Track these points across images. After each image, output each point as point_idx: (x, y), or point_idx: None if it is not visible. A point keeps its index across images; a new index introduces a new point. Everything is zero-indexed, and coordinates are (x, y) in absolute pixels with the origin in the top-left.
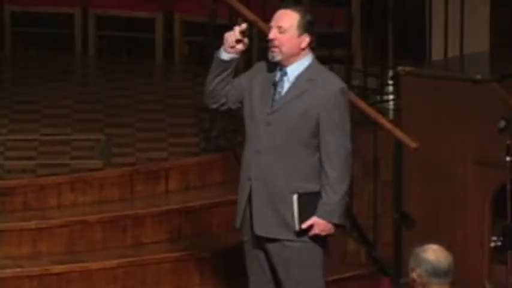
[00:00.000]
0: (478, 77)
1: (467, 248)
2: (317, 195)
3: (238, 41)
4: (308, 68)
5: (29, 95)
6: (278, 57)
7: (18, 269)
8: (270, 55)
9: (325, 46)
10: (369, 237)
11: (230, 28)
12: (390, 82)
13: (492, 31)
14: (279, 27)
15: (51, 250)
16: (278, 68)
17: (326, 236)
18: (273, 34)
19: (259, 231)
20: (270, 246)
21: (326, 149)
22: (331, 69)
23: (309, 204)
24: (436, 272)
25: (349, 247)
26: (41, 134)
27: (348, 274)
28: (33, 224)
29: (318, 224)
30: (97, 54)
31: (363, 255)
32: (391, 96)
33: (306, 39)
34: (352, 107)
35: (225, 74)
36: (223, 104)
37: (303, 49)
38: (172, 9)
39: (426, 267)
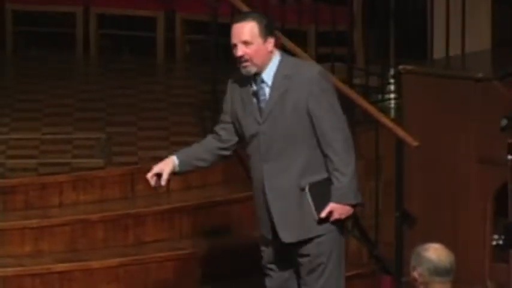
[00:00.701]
0: (480, 75)
1: (469, 246)
2: (327, 180)
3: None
4: (280, 65)
5: (31, 94)
6: (253, 70)
7: (20, 268)
8: (244, 71)
9: (327, 44)
10: (371, 236)
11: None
12: (392, 81)
13: (494, 29)
14: (244, 42)
15: (53, 249)
16: (252, 78)
17: (344, 222)
18: (240, 50)
19: (286, 239)
20: (297, 248)
21: (323, 136)
22: (333, 68)
23: (322, 191)
24: (438, 271)
25: (351, 246)
26: (42, 133)
27: (349, 273)
28: (34, 222)
29: (336, 209)
30: (98, 52)
31: (364, 254)
32: (392, 95)
33: (271, 42)
34: (354, 106)
35: (196, 165)
36: (234, 144)
37: (271, 51)
38: (173, 7)
39: (428, 266)
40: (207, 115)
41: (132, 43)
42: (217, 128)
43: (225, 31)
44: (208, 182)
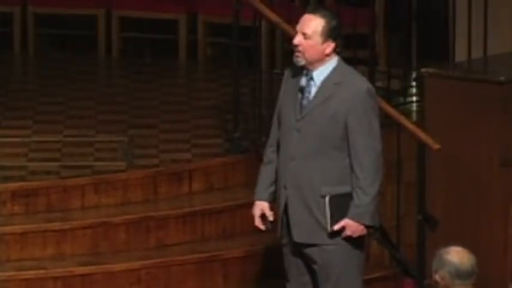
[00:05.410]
0: (502, 78)
1: (491, 249)
2: (349, 196)
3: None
4: (334, 71)
5: (53, 97)
6: (302, 62)
7: (42, 271)
8: (294, 59)
9: (349, 47)
10: (392, 238)
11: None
12: (414, 84)
13: None
14: (304, 34)
15: (75, 251)
16: (304, 73)
17: (363, 238)
18: (297, 40)
19: (297, 238)
20: (308, 251)
21: (355, 151)
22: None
23: (341, 205)
24: (459, 274)
25: (373, 249)
26: (64, 136)
27: (371, 276)
28: (56, 225)
29: (350, 226)
30: (120, 55)
31: (386, 257)
32: (414, 98)
33: (330, 45)
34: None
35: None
36: None
37: (328, 55)
38: (195, 10)
39: (449, 269)
40: (228, 118)
41: (153, 46)
42: (271, 141)
43: (247, 34)
44: (230, 184)
